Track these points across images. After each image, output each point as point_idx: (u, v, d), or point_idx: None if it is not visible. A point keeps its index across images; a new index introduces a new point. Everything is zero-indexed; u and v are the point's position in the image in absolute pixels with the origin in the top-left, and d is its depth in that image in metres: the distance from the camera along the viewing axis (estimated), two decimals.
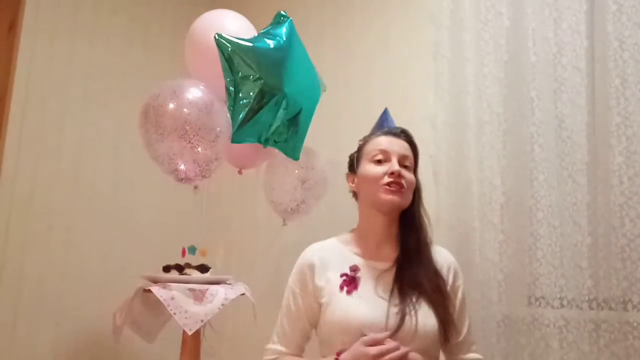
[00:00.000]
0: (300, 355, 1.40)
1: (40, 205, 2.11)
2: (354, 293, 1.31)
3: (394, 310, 1.27)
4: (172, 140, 1.58)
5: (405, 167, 1.39)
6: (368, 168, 1.40)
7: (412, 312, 1.26)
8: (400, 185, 1.35)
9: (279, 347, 1.39)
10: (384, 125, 1.70)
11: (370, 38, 2.30)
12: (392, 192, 1.35)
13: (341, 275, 1.34)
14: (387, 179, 1.35)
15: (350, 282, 1.33)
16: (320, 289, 1.35)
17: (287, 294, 1.41)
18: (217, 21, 1.83)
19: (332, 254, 1.40)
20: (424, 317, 1.27)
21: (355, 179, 1.45)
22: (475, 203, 1.79)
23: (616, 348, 1.53)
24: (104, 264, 2.26)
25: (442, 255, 1.44)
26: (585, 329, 1.58)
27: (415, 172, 1.44)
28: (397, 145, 1.41)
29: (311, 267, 1.38)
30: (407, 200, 1.39)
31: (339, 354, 1.25)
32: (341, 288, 1.32)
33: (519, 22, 1.79)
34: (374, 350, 1.18)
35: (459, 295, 1.41)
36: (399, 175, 1.35)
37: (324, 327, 1.34)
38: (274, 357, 1.39)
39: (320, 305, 1.34)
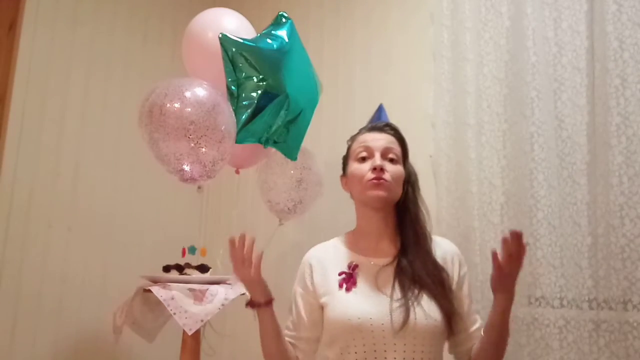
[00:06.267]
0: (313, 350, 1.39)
1: (40, 205, 2.11)
2: (353, 290, 1.31)
3: (396, 304, 1.26)
4: (178, 140, 1.57)
5: (390, 160, 1.38)
6: (353, 167, 1.40)
7: (414, 306, 1.25)
8: (384, 180, 1.34)
9: (293, 333, 1.39)
10: (376, 119, 1.70)
11: (370, 38, 2.29)
12: (376, 187, 1.34)
13: (340, 274, 1.34)
14: (370, 175, 1.35)
15: (349, 279, 1.32)
16: (320, 288, 1.34)
17: (294, 298, 1.40)
18: (215, 20, 1.83)
19: (331, 253, 1.40)
20: (427, 310, 1.26)
21: (347, 181, 1.45)
22: (475, 203, 1.79)
23: (616, 348, 1.53)
24: (104, 264, 2.26)
25: (443, 246, 1.42)
26: (585, 329, 1.58)
27: (405, 163, 1.42)
28: (381, 140, 1.40)
29: (310, 267, 1.38)
30: (394, 193, 1.37)
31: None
32: (340, 286, 1.32)
33: (519, 22, 1.79)
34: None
35: (465, 288, 1.37)
36: (381, 170, 1.34)
37: (325, 327, 1.33)
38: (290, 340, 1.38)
39: (321, 306, 1.34)
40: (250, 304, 1.33)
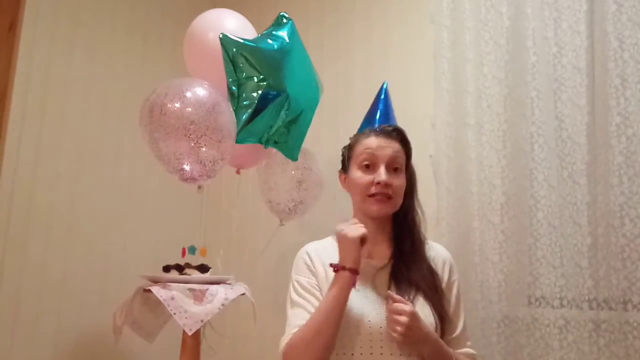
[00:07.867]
0: None
1: (40, 205, 2.11)
2: (352, 290, 1.30)
3: None
4: (178, 139, 1.57)
5: (395, 169, 1.37)
6: (356, 174, 1.38)
7: None
8: (387, 196, 1.34)
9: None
10: (377, 109, 1.58)
11: (370, 38, 2.30)
12: (378, 203, 1.34)
13: None
14: (373, 190, 1.34)
15: None
16: (321, 283, 1.33)
17: (294, 286, 1.36)
18: (216, 20, 1.83)
19: (328, 251, 1.38)
20: (422, 313, 1.26)
21: (346, 179, 1.44)
22: (475, 203, 1.79)
23: (616, 348, 1.53)
24: (104, 264, 2.26)
25: (436, 251, 1.42)
26: (585, 329, 1.58)
27: (407, 167, 1.41)
28: (387, 148, 1.37)
29: (310, 258, 1.37)
30: (394, 206, 1.37)
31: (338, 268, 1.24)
32: None
33: (519, 22, 1.79)
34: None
35: (454, 290, 1.39)
36: (386, 185, 1.33)
37: None
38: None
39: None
40: (350, 269, 1.23)
